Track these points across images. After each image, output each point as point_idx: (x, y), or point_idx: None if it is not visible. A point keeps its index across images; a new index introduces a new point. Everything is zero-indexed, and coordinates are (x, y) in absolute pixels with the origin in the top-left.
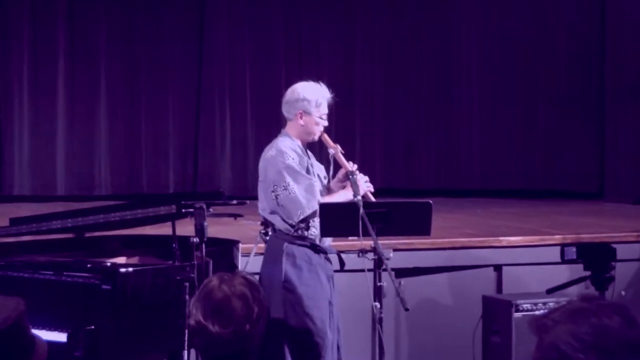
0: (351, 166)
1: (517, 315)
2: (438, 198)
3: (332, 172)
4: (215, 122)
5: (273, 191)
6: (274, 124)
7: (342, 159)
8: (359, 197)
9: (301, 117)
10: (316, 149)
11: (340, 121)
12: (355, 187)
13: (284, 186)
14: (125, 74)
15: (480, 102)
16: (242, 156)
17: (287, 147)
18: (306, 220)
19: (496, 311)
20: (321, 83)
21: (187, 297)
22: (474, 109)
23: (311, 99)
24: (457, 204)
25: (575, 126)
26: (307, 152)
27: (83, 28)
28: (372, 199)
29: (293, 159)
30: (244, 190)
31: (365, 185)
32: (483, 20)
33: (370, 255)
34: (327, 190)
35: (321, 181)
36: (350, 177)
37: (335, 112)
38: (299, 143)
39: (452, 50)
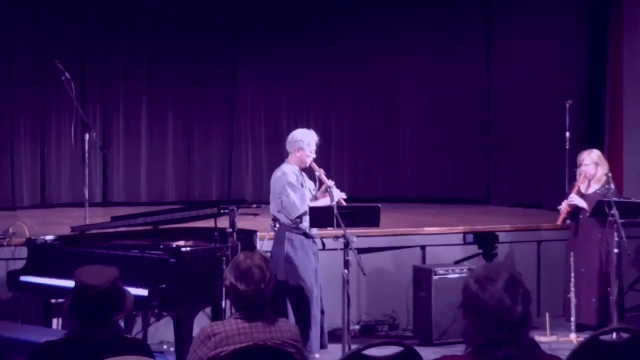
0: (330, 183)
1: (435, 277)
2: (385, 203)
3: (318, 186)
4: (242, 154)
5: (279, 198)
6: (279, 156)
7: (324, 178)
8: (334, 203)
9: (298, 152)
10: (308, 172)
11: (321, 152)
12: (331, 196)
13: (286, 195)
14: (185, 124)
15: (412, 139)
16: (260, 176)
17: (289, 170)
18: (300, 217)
19: (422, 276)
20: (311, 130)
21: (224, 267)
22: (407, 145)
23: (304, 140)
24: (397, 207)
25: (472, 155)
26: (302, 173)
27: (159, 90)
28: (344, 204)
29: (292, 178)
30: (260, 198)
31: (339, 195)
32: (416, 89)
33: (342, 240)
34: (315, 198)
35: (311, 193)
36: (329, 189)
37: (318, 147)
38: (297, 168)
39: (394, 104)
